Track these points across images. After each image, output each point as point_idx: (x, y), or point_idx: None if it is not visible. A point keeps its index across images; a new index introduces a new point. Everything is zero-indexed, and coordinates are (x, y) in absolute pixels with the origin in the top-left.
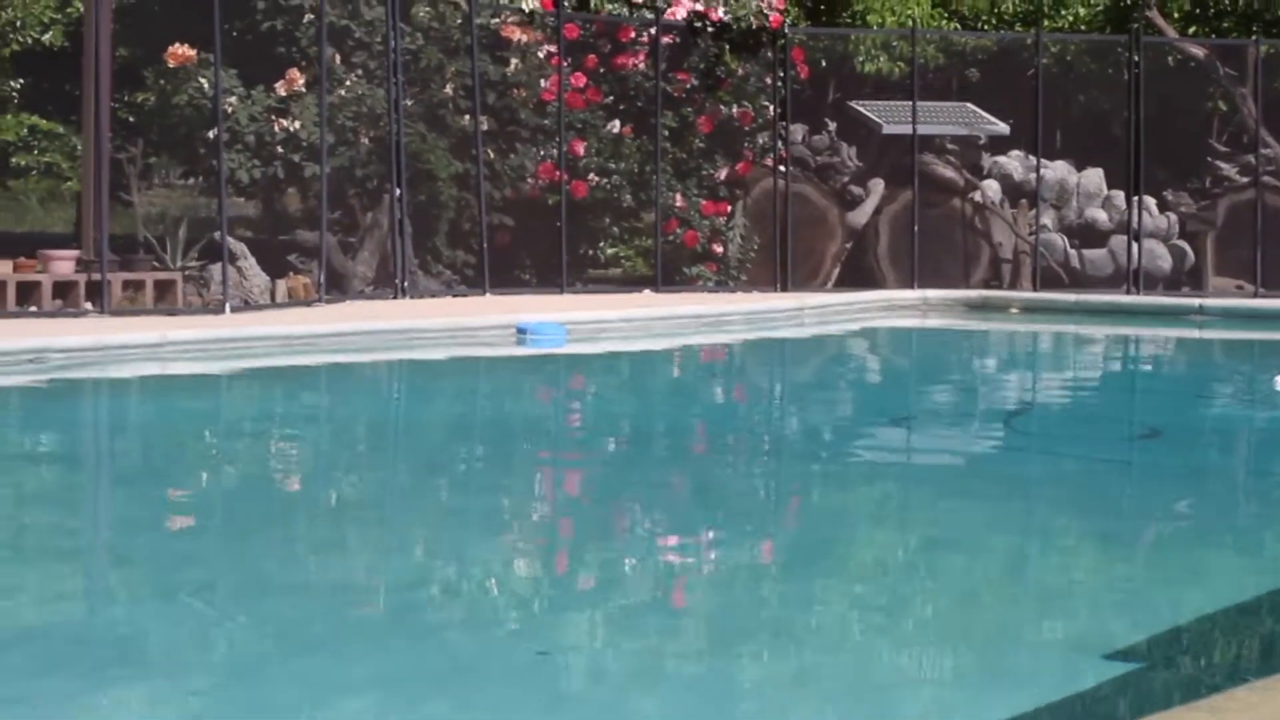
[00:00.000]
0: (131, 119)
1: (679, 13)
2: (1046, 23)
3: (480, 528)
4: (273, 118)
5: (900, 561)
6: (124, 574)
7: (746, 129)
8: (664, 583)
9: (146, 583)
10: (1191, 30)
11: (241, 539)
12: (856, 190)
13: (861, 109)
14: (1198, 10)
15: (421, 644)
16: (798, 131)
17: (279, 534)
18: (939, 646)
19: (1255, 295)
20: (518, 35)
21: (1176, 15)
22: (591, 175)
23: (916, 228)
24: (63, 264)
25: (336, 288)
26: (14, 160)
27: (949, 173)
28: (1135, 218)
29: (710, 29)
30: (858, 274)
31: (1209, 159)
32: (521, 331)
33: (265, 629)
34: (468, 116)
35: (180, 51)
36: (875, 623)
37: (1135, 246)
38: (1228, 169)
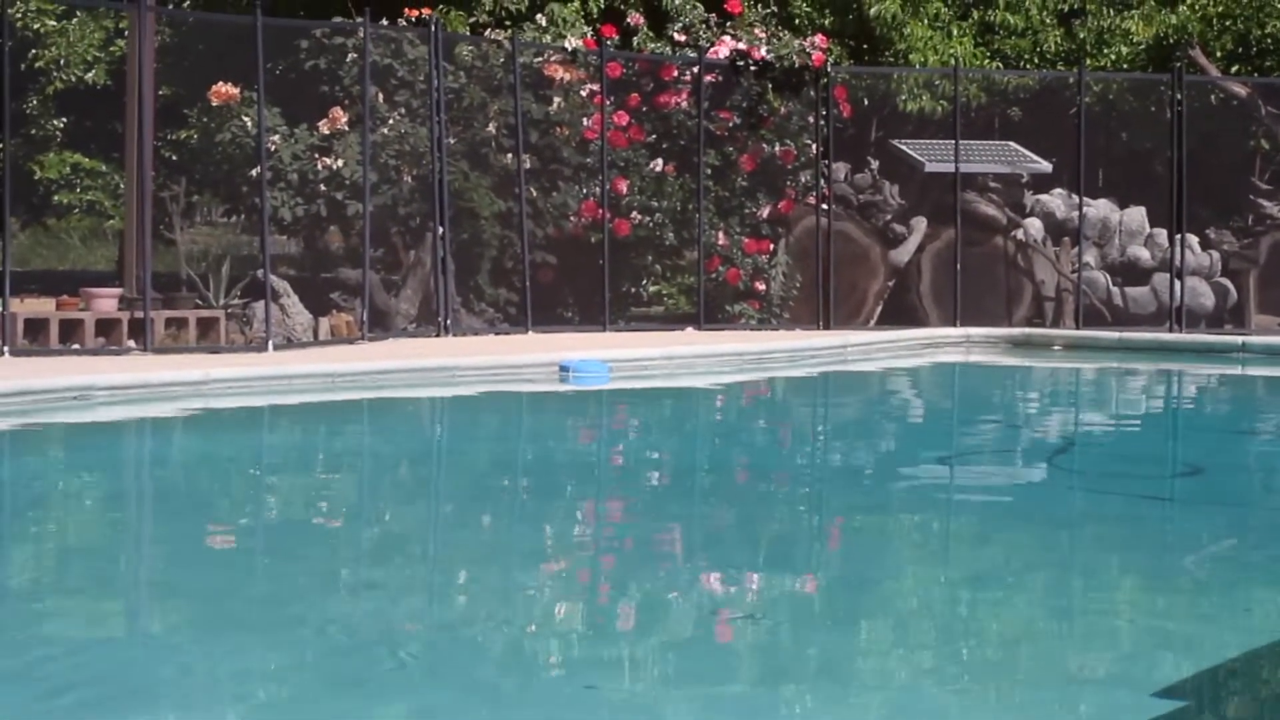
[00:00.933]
0: (174, 157)
1: (722, 51)
2: (1089, 61)
3: (527, 564)
4: (316, 156)
5: (946, 597)
6: (170, 609)
7: (789, 167)
8: (712, 619)
9: (192, 618)
10: (1234, 69)
11: (287, 574)
12: (899, 228)
13: (904, 147)
14: (1240, 49)
15: (469, 677)
16: (840, 170)
17: (325, 569)
18: (983, 682)
19: None
20: (560, 74)
21: (1219, 54)
22: (634, 213)
23: (959, 265)
24: (105, 302)
25: (379, 325)
26: (57, 198)
27: (991, 211)
28: (1178, 255)
29: (753, 68)
30: (900, 312)
31: (1251, 197)
32: (564, 369)
33: (309, 662)
34: (510, 155)
35: (223, 90)
36: (921, 657)
37: (1178, 284)
38: (1270, 207)
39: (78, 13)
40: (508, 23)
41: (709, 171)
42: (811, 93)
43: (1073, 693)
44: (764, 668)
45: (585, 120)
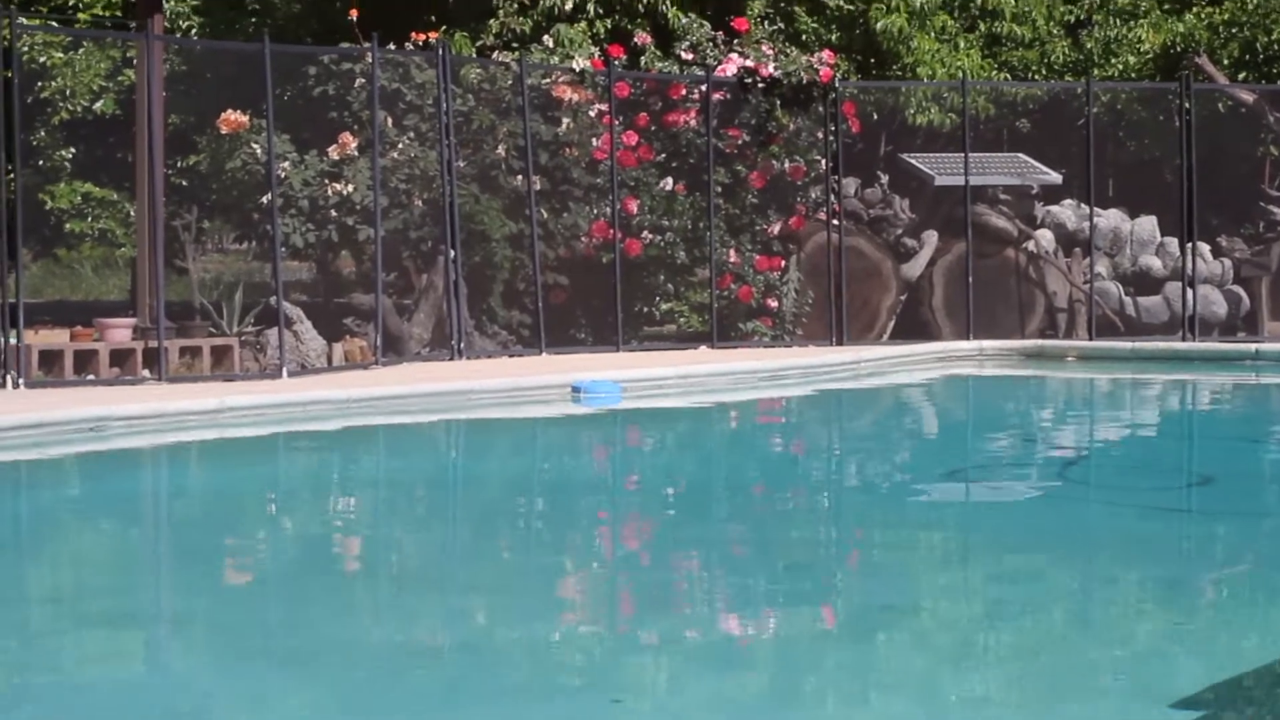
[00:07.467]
0: (185, 184)
1: (729, 69)
2: (1096, 71)
3: (550, 584)
4: (326, 182)
5: (965, 611)
6: (189, 641)
7: (799, 183)
8: (733, 636)
9: (212, 650)
10: (1241, 76)
11: (311, 603)
12: (910, 242)
13: (913, 161)
14: (1247, 56)
15: (497, 694)
16: (850, 185)
17: (349, 597)
18: (1004, 693)
19: None
20: (569, 95)
21: (1226, 61)
22: (645, 233)
23: (971, 278)
24: (119, 332)
25: (393, 350)
26: (68, 228)
27: (1002, 223)
28: (1189, 264)
29: (761, 85)
30: (913, 326)
31: (1261, 204)
32: (576, 390)
33: (335, 691)
34: (520, 176)
35: (232, 118)
36: (943, 669)
37: (1190, 293)
38: None
39: (84, 43)
40: (515, 45)
41: (719, 189)
42: (820, 108)
43: (1091, 705)
44: (786, 686)
45: (594, 140)
